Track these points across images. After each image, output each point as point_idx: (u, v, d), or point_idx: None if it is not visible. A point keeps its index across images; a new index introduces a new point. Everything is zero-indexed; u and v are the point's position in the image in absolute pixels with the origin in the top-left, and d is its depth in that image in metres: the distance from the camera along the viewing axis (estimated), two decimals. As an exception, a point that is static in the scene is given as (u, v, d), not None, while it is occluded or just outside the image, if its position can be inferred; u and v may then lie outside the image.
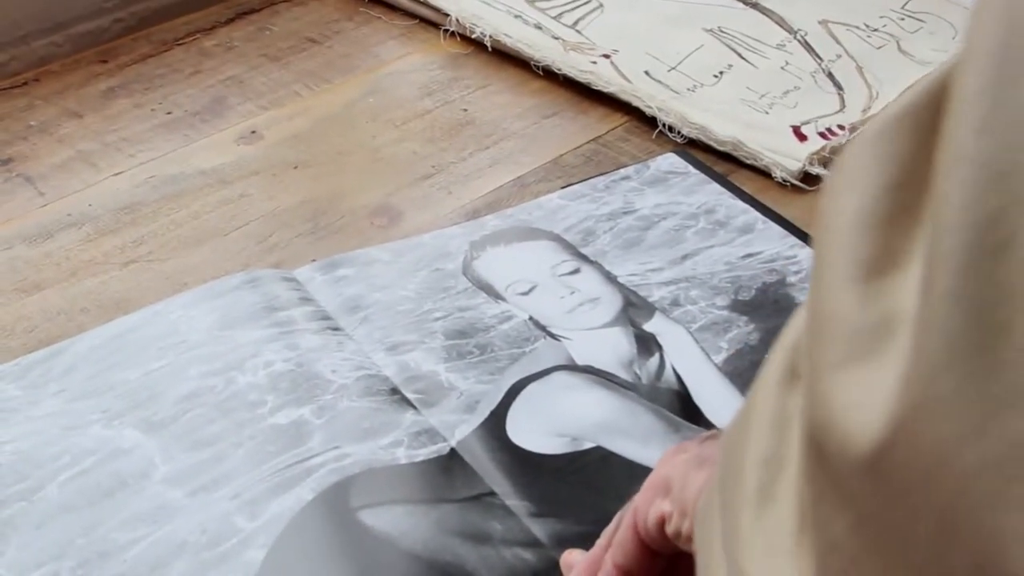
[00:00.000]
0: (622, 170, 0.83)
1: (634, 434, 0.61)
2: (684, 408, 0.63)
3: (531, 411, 0.62)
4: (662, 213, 0.79)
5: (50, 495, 0.57)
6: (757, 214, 0.79)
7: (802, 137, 0.86)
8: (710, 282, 0.72)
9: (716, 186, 0.82)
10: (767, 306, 0.71)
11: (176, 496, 0.57)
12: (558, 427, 0.61)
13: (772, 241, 0.76)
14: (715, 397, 0.64)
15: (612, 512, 0.53)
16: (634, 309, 0.69)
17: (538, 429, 0.61)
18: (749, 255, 0.75)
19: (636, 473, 0.59)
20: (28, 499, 0.57)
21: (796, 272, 0.74)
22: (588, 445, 0.60)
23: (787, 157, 0.84)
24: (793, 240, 0.77)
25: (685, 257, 0.75)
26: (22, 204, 0.80)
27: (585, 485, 0.58)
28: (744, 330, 0.69)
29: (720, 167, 0.84)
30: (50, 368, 0.64)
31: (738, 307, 0.71)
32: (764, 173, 0.84)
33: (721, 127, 0.86)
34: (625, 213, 0.78)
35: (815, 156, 0.84)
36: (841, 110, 0.90)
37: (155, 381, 0.63)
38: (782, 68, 0.95)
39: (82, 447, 0.60)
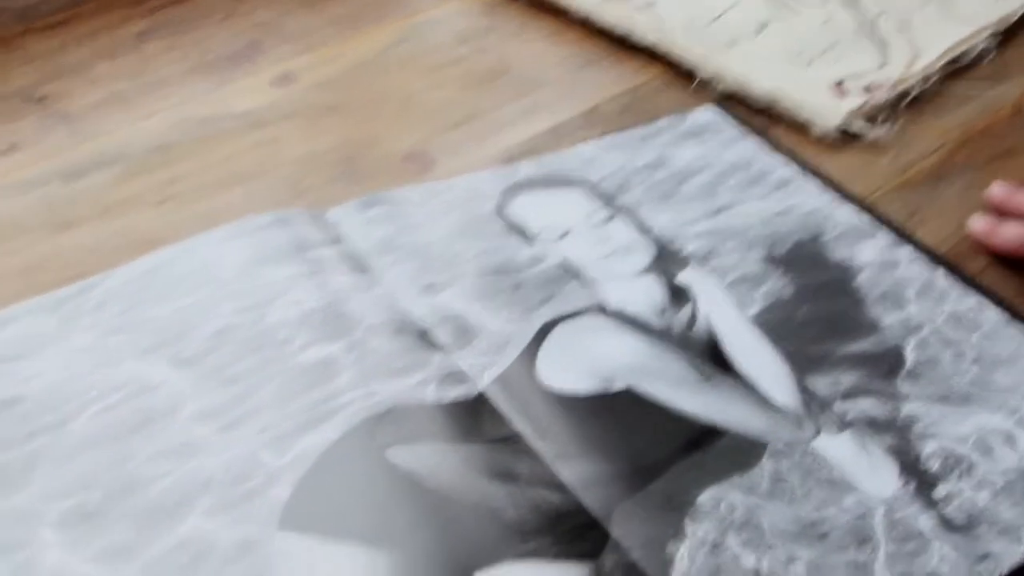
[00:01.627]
0: (658, 122, 0.82)
1: (666, 378, 0.60)
2: (714, 359, 0.63)
3: (562, 350, 0.61)
4: (698, 167, 0.78)
5: (78, 428, 0.57)
6: (793, 169, 0.78)
7: (842, 93, 0.85)
8: (745, 236, 0.72)
9: (753, 141, 0.81)
10: (802, 261, 0.70)
11: (203, 433, 0.57)
12: (588, 367, 0.60)
13: (809, 197, 0.75)
14: (747, 349, 0.64)
15: (642, 453, 0.53)
16: (667, 260, 0.68)
17: (569, 368, 0.60)
18: (785, 210, 0.74)
19: (667, 415, 0.59)
20: (56, 432, 0.57)
21: (832, 228, 0.73)
22: (619, 386, 0.59)
23: (826, 112, 0.83)
24: (830, 196, 0.76)
25: (720, 210, 0.74)
26: (56, 143, 0.80)
27: (615, 425, 0.58)
28: (778, 284, 0.68)
29: (757, 121, 0.83)
30: (82, 303, 0.64)
31: (773, 261, 0.70)
32: (802, 128, 0.83)
33: (760, 81, 0.85)
34: (660, 166, 0.78)
35: (855, 112, 0.83)
36: (882, 67, 0.89)
37: (185, 317, 0.63)
38: (823, 24, 0.94)
39: (111, 382, 0.60)
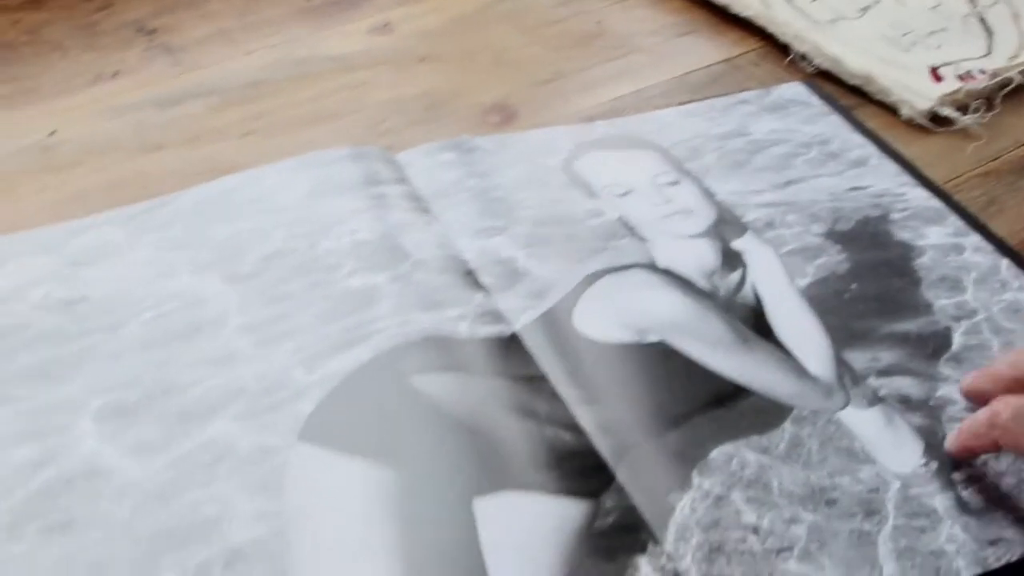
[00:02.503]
0: (742, 94, 0.82)
1: (702, 337, 0.61)
2: (756, 324, 0.63)
3: (603, 300, 0.62)
4: (775, 139, 0.78)
5: (130, 331, 0.61)
6: (873, 149, 0.77)
7: (938, 78, 0.84)
8: (810, 209, 0.71)
9: (836, 118, 0.80)
10: (864, 238, 0.70)
11: (244, 345, 0.60)
12: (627, 319, 0.61)
13: (884, 177, 0.75)
14: (790, 318, 0.64)
15: (665, 404, 0.55)
16: (725, 225, 0.69)
17: (606, 318, 0.61)
18: (856, 188, 0.74)
19: (696, 371, 0.59)
20: (109, 333, 0.61)
21: (902, 210, 0.72)
22: (653, 339, 0.60)
23: (918, 96, 0.82)
24: (906, 178, 0.75)
25: (789, 183, 0.74)
26: (158, 72, 0.84)
27: (642, 375, 0.59)
28: (835, 259, 0.68)
29: (847, 101, 0.83)
30: (150, 219, 0.68)
31: (833, 236, 0.70)
32: (891, 111, 0.82)
33: (855, 60, 0.85)
34: (737, 136, 0.78)
35: (948, 97, 0.82)
36: (987, 55, 0.87)
37: (244, 238, 0.66)
38: (932, 8, 0.92)
39: (167, 292, 0.63)
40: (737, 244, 0.68)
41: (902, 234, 0.70)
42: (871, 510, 0.54)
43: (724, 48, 0.89)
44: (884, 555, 0.52)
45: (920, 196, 0.73)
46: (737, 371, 0.60)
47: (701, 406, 0.58)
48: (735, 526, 0.53)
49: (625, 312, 0.62)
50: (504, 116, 0.80)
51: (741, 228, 0.69)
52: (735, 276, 0.66)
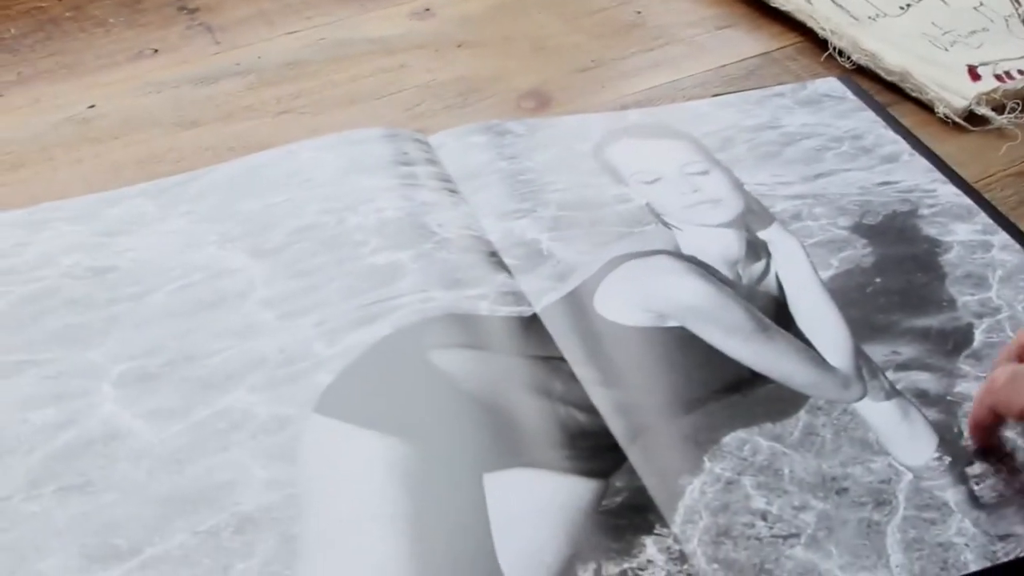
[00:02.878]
0: (777, 87, 0.82)
1: (722, 324, 0.61)
2: (778, 314, 0.63)
3: (625, 284, 0.63)
4: (807, 132, 0.78)
5: (156, 300, 0.62)
6: (905, 145, 0.77)
7: (976, 77, 0.83)
8: (838, 202, 0.71)
9: (870, 114, 0.80)
10: (891, 233, 0.69)
11: (267, 317, 0.61)
12: (648, 303, 0.62)
13: (914, 173, 0.74)
14: (812, 309, 0.64)
15: (681, 389, 0.56)
16: (752, 215, 0.69)
17: (628, 301, 0.62)
18: (886, 183, 0.74)
19: (714, 357, 0.60)
20: (136, 300, 0.62)
21: (931, 206, 0.72)
22: (672, 323, 0.61)
23: (954, 94, 0.81)
24: (937, 175, 0.74)
25: (819, 176, 0.74)
26: (198, 50, 0.85)
27: (659, 359, 0.59)
28: (860, 252, 0.68)
29: (883, 98, 0.82)
30: (184, 191, 0.69)
31: (860, 229, 0.69)
32: (927, 108, 0.82)
33: (893, 57, 0.84)
34: (769, 128, 0.78)
35: (984, 96, 0.81)
36: (1025, 56, 0.86)
37: (273, 213, 0.67)
38: (975, 8, 0.91)
39: (194, 263, 0.64)
40: (763, 234, 0.68)
41: (930, 230, 0.70)
42: (881, 500, 0.54)
43: (762, 42, 0.88)
44: (892, 545, 0.52)
45: (950, 193, 0.73)
46: (755, 359, 0.60)
47: (717, 392, 0.59)
48: (744, 511, 0.53)
49: (646, 296, 0.63)
50: (539, 102, 0.81)
51: (768, 218, 0.69)
52: (759, 266, 0.66)
